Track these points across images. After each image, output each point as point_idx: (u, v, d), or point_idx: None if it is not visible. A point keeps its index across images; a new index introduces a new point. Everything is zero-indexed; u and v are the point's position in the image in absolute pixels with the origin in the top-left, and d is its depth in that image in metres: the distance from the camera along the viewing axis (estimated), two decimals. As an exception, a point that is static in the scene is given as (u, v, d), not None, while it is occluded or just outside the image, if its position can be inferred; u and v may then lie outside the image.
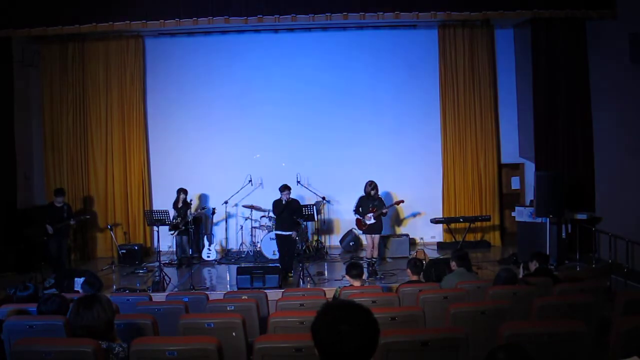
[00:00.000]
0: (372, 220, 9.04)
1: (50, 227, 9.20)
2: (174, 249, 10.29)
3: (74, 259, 10.81)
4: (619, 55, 9.09)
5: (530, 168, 11.06)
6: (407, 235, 10.63)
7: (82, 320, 3.16)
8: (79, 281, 8.06)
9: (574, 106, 10.09)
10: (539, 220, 9.06)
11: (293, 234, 8.92)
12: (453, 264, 6.34)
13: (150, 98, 11.52)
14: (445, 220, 10.68)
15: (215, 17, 9.43)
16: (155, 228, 9.59)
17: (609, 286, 8.09)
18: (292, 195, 9.30)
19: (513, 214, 9.88)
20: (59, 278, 8.35)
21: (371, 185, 9.19)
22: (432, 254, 10.20)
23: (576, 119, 10.10)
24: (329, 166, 11.25)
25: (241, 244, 11.04)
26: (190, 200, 10.18)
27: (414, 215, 11.36)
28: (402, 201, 9.62)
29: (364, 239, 9.87)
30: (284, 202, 8.95)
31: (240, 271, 8.15)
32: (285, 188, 9.01)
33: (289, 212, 8.95)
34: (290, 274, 8.93)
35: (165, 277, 8.62)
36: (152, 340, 3.68)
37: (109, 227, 10.71)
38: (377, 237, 9.25)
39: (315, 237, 10.92)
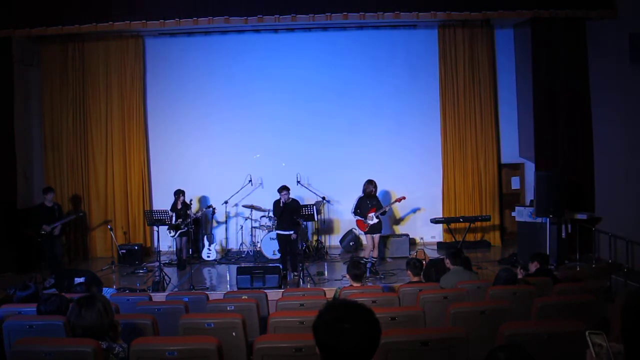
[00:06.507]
0: (375, 220, 9.02)
1: (48, 227, 9.20)
2: (174, 249, 10.28)
3: (73, 259, 10.83)
4: (619, 55, 9.09)
5: (530, 168, 11.06)
6: (407, 235, 10.63)
7: (84, 321, 3.16)
8: (79, 281, 8.07)
9: (574, 106, 10.08)
10: (539, 220, 9.06)
11: (293, 234, 8.92)
12: (447, 262, 6.35)
13: (150, 98, 11.53)
14: (445, 220, 10.67)
15: (215, 17, 9.44)
16: (155, 228, 9.58)
17: (609, 286, 8.09)
18: (292, 195, 9.30)
19: (513, 214, 9.88)
20: (57, 278, 8.35)
21: (372, 184, 9.16)
22: (432, 254, 10.19)
23: (576, 119, 10.09)
24: (329, 166, 11.26)
25: (241, 244, 11.05)
26: (190, 201, 10.15)
27: (414, 211, 11.36)
28: (404, 198, 9.58)
29: (364, 239, 9.85)
30: (282, 203, 8.96)
31: (240, 271, 8.15)
32: (283, 189, 9.02)
33: (288, 213, 8.95)
34: (295, 274, 8.91)
35: (165, 277, 8.63)
36: (152, 340, 3.68)
37: (109, 227, 10.72)
38: (377, 236, 9.23)
39: (315, 237, 10.93)
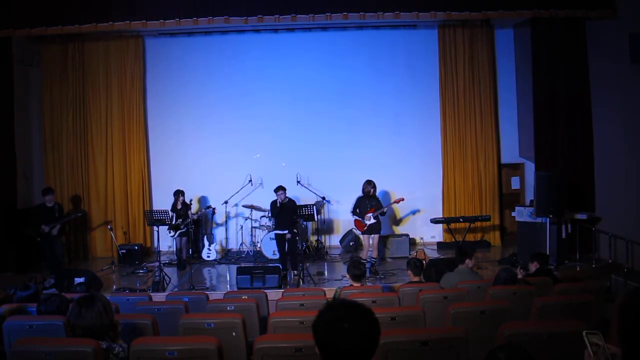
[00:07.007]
0: (372, 221, 9.01)
1: (47, 227, 9.20)
2: (174, 249, 10.28)
3: (73, 259, 10.83)
4: (619, 55, 9.08)
5: (530, 168, 11.06)
6: (407, 235, 10.63)
7: (84, 320, 3.16)
8: (78, 281, 8.08)
9: (574, 106, 10.08)
10: (539, 220, 9.05)
11: (287, 233, 8.92)
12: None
13: (150, 98, 11.53)
14: (445, 220, 10.67)
15: (215, 17, 9.44)
16: (155, 228, 9.57)
17: (609, 286, 8.10)
18: (292, 196, 9.28)
19: (513, 214, 9.87)
20: (57, 278, 8.35)
21: (371, 184, 9.15)
22: (432, 254, 10.20)
23: (576, 119, 10.09)
24: (329, 166, 11.25)
25: (241, 244, 11.05)
26: (190, 201, 10.14)
27: (414, 212, 11.36)
28: (402, 199, 9.58)
29: (363, 239, 9.85)
30: (278, 204, 8.97)
31: (240, 271, 8.14)
32: (279, 189, 9.03)
33: (286, 213, 8.95)
34: (295, 274, 8.88)
35: (165, 277, 8.62)
36: (152, 340, 3.68)
37: (109, 227, 10.72)
38: (376, 237, 9.21)
39: (315, 237, 10.93)
